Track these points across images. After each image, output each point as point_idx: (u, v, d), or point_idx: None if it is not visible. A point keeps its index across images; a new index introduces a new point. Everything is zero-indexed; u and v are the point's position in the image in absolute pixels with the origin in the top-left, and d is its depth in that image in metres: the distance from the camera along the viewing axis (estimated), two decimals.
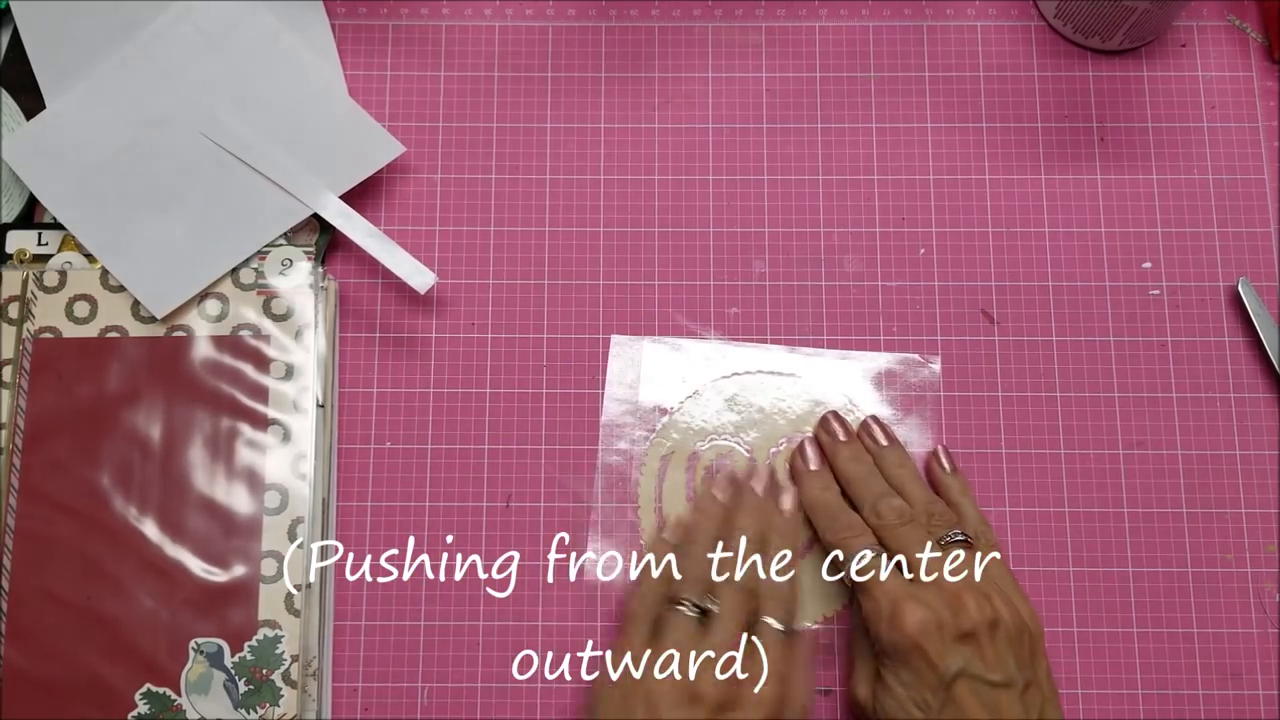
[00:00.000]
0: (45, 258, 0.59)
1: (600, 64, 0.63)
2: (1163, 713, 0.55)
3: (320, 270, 0.59)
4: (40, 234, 0.59)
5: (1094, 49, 0.63)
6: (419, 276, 0.58)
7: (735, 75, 0.63)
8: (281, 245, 0.59)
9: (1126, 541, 0.57)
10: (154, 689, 0.53)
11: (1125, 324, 0.60)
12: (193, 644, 0.54)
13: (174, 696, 0.53)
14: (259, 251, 0.59)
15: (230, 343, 0.57)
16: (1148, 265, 0.60)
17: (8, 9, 0.62)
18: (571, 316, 0.60)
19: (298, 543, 0.55)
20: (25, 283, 0.58)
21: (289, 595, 0.54)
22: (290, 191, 0.59)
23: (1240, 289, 0.59)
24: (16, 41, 0.62)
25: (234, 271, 0.58)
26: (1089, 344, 0.59)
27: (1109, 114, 0.62)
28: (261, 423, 0.56)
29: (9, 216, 0.60)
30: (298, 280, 0.58)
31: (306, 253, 0.59)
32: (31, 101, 0.61)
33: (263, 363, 0.57)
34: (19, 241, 0.59)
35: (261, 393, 0.57)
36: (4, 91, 0.61)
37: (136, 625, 0.54)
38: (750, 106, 0.63)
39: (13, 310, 0.57)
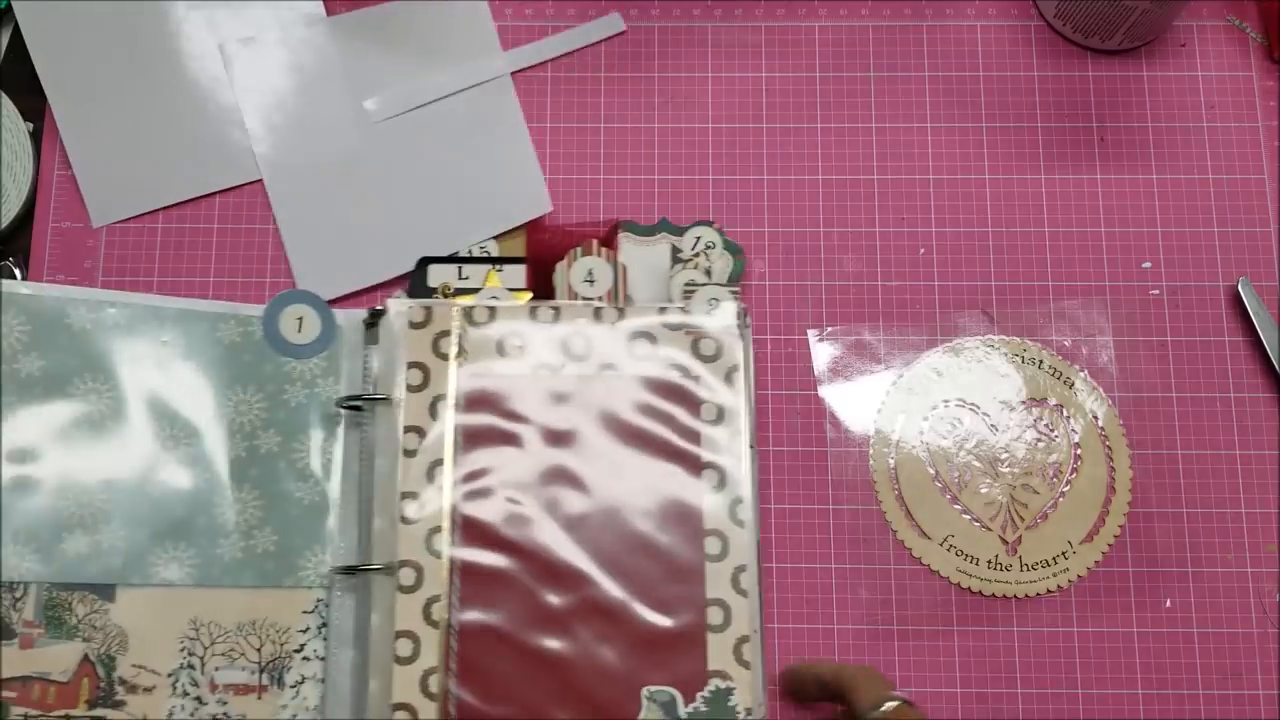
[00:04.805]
0: (466, 291, 0.58)
1: (600, 64, 0.63)
2: (1163, 713, 0.55)
3: (742, 309, 0.57)
4: (460, 268, 0.59)
5: (1094, 49, 0.63)
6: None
7: (735, 75, 0.63)
8: (707, 284, 0.57)
9: (1126, 541, 0.57)
10: None
11: (1125, 324, 0.59)
12: (645, 691, 0.51)
13: None
14: (685, 290, 0.57)
15: (661, 383, 0.55)
16: (1148, 265, 0.60)
17: (8, 9, 0.62)
18: None
19: (743, 591, 0.53)
20: (456, 318, 0.55)
21: (737, 645, 0.52)
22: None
23: (1240, 289, 0.59)
24: (16, 41, 0.62)
25: (661, 311, 0.56)
26: (1089, 344, 0.59)
27: (1109, 114, 0.62)
28: (695, 466, 0.54)
29: (7, 219, 0.60)
30: (725, 321, 0.56)
31: (733, 293, 0.57)
32: (31, 101, 0.61)
33: (693, 404, 0.55)
34: (441, 276, 0.58)
35: (693, 435, 0.54)
36: (3, 94, 0.61)
37: (585, 668, 0.51)
38: (750, 106, 0.63)
39: (445, 345, 0.55)
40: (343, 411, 0.56)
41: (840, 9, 0.64)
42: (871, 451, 0.58)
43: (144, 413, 0.54)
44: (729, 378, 0.55)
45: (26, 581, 0.52)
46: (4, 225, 0.59)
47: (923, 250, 0.61)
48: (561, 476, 0.54)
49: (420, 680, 0.51)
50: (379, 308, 0.56)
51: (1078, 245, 0.61)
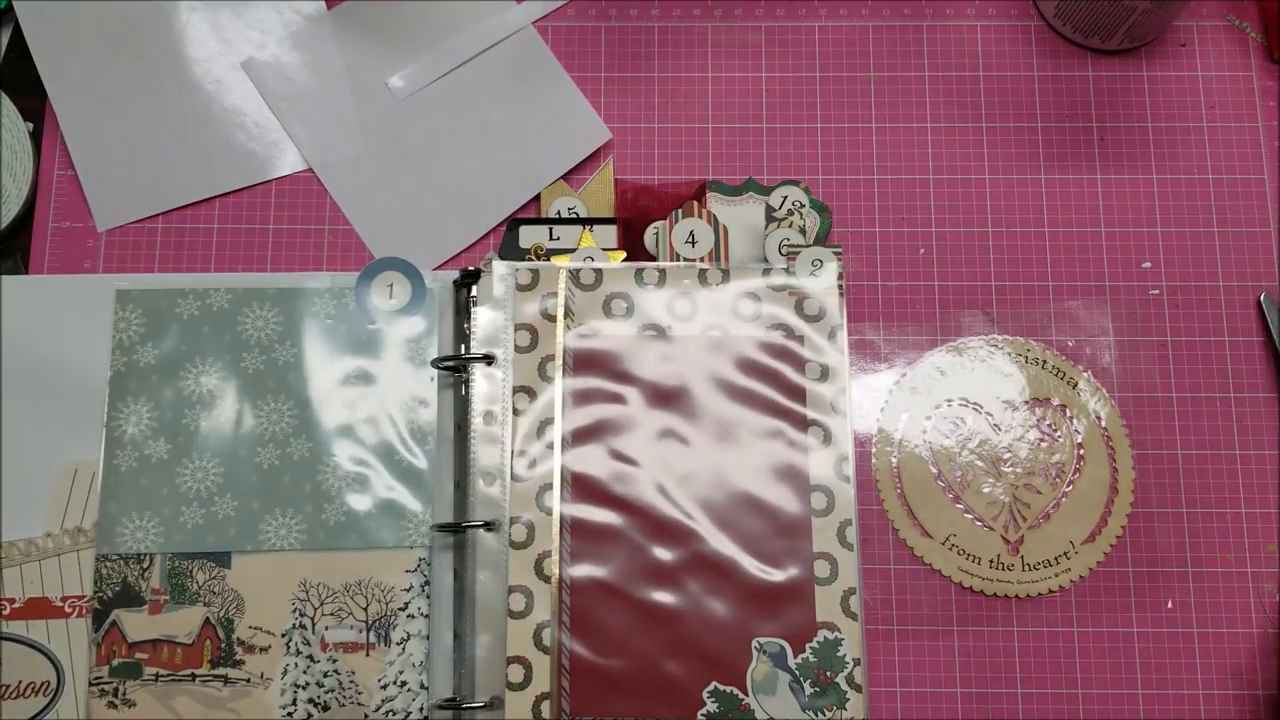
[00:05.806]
0: (558, 251, 0.59)
1: (600, 64, 0.63)
2: (1163, 713, 0.55)
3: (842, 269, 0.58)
4: (551, 229, 0.60)
5: (1094, 49, 0.63)
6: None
7: (735, 75, 0.63)
8: (808, 246, 0.58)
9: (1126, 541, 0.57)
10: (720, 687, 0.53)
11: (1125, 324, 0.60)
12: (755, 643, 0.53)
13: (741, 696, 0.53)
14: (786, 249, 0.58)
15: (766, 343, 0.56)
16: (1148, 265, 0.60)
17: (8, 8, 0.62)
18: None
19: (849, 545, 0.54)
20: (563, 280, 0.57)
21: (844, 597, 0.53)
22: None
23: (1262, 303, 0.59)
24: (16, 42, 0.62)
25: (765, 274, 0.57)
26: (1089, 344, 0.59)
27: (1109, 114, 0.62)
28: (801, 423, 0.55)
29: (7, 219, 0.60)
30: (828, 281, 0.57)
31: (835, 252, 0.58)
32: (31, 101, 0.61)
33: (798, 363, 0.56)
34: (532, 237, 0.59)
35: (799, 393, 0.56)
36: (3, 94, 0.61)
37: (696, 621, 0.53)
38: (750, 106, 0.63)
39: (552, 307, 0.57)
40: (437, 372, 0.57)
41: (840, 9, 0.64)
42: (874, 450, 0.58)
43: (250, 388, 0.57)
44: (832, 336, 0.56)
45: (152, 553, 0.55)
46: (4, 225, 0.59)
47: (923, 250, 0.61)
48: (669, 435, 0.55)
49: (534, 634, 0.53)
50: (471, 269, 0.57)
51: (1078, 245, 0.61)
